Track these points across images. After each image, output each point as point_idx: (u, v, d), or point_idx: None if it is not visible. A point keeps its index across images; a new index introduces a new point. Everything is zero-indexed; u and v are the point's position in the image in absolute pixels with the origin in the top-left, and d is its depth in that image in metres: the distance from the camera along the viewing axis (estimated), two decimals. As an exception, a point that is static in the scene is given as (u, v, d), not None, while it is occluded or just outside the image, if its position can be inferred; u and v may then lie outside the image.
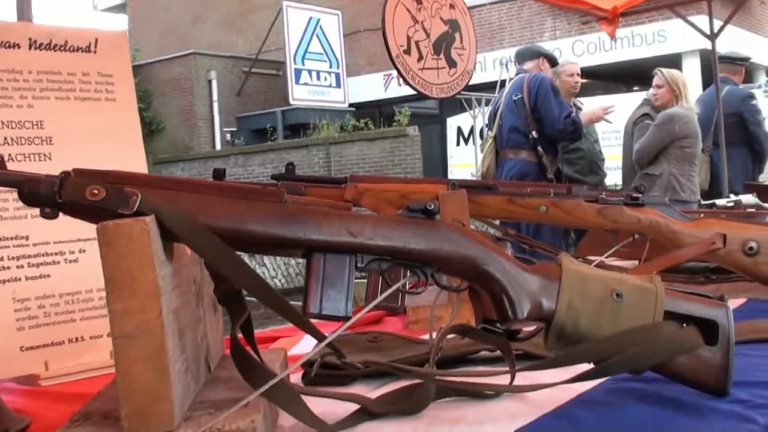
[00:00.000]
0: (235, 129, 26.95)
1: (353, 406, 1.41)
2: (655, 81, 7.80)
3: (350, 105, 26.35)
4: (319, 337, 1.32)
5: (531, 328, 1.59)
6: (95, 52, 2.11)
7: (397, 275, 1.38)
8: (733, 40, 21.55)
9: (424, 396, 1.45)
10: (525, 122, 7.18)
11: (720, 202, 3.91)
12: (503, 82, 8.46)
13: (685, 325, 1.42)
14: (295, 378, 1.67)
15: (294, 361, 1.50)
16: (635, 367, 1.41)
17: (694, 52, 19.35)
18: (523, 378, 1.47)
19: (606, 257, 2.59)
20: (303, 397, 1.33)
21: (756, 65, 24.50)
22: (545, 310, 1.39)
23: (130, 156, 2.09)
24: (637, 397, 1.44)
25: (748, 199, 3.72)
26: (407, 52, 7.75)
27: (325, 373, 1.66)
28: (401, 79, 7.95)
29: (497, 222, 3.00)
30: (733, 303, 1.82)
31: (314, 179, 2.36)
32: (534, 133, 7.11)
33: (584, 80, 8.52)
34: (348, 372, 1.68)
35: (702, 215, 2.60)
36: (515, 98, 7.24)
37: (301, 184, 2.25)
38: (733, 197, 4.06)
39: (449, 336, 1.57)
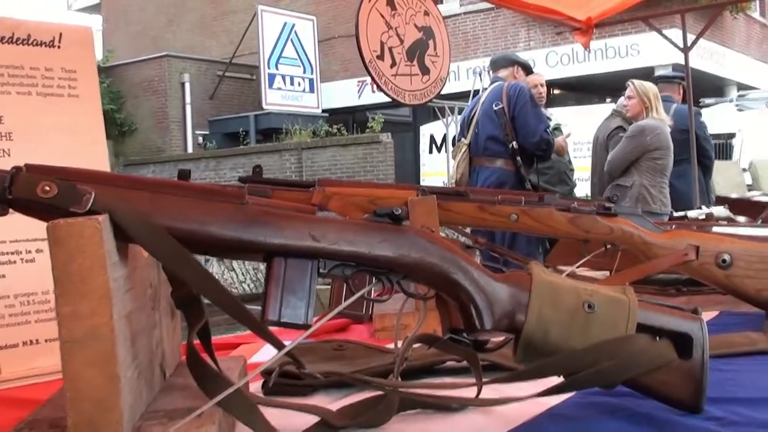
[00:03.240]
0: (208, 132, 26.97)
1: (313, 418, 1.38)
2: (627, 92, 7.83)
3: (323, 111, 26.39)
4: (278, 345, 1.28)
5: (500, 339, 1.55)
6: (59, 46, 2.06)
7: (361, 282, 1.34)
8: (706, 54, 21.77)
9: (387, 408, 1.42)
10: (504, 131, 7.13)
11: (692, 214, 3.92)
12: (476, 92, 8.42)
13: (658, 338, 1.39)
14: (256, 387, 1.63)
15: (254, 369, 1.46)
16: (606, 381, 1.38)
17: (667, 66, 19.42)
18: (490, 390, 1.43)
19: (577, 267, 2.56)
20: (261, 407, 1.29)
21: (727, 80, 24.73)
22: (514, 321, 1.35)
23: (92, 153, 2.05)
24: (608, 412, 1.42)
25: (720, 211, 3.73)
26: (380, 57, 7.72)
27: (286, 382, 1.62)
28: (374, 85, 7.92)
29: (468, 230, 2.96)
30: (705, 316, 1.78)
31: (281, 182, 2.33)
32: (514, 143, 7.06)
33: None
34: (309, 382, 1.64)
35: (674, 226, 2.58)
36: (495, 108, 7.17)
37: (268, 187, 2.22)
38: (705, 209, 4.07)
39: (416, 345, 1.53)
